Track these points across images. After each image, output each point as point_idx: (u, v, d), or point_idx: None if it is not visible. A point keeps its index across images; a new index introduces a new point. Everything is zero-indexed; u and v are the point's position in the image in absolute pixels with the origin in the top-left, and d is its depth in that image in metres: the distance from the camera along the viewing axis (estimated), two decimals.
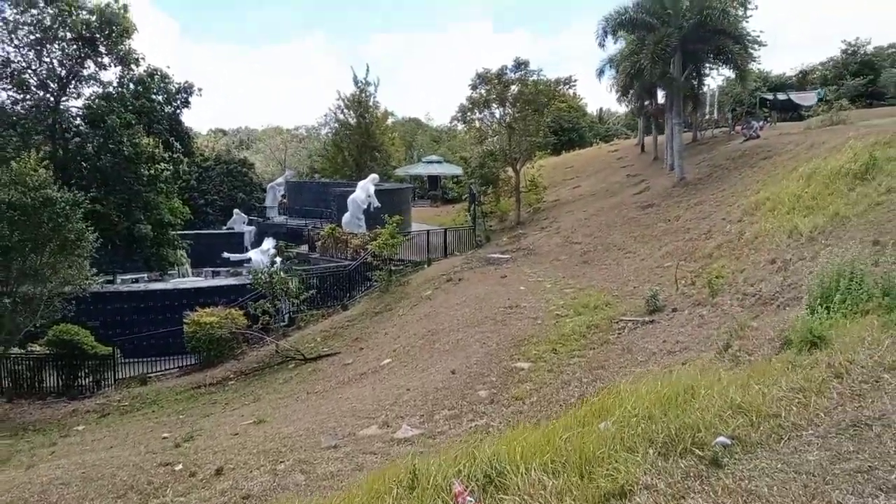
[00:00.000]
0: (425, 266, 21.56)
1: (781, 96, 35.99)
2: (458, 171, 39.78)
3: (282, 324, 18.75)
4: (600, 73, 30.52)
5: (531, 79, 25.68)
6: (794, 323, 5.27)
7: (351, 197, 24.51)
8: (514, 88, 26.30)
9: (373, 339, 15.62)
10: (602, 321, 11.73)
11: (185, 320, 17.52)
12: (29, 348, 17.82)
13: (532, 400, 8.69)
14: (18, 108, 23.80)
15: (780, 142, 19.70)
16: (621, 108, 45.10)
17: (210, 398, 14.90)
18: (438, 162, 51.05)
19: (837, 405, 3.43)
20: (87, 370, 17.68)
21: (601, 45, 24.67)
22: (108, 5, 24.84)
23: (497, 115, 27.23)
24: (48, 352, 17.43)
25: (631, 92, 28.59)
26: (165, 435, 11.15)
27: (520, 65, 25.59)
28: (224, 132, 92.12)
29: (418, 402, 9.26)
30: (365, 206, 24.27)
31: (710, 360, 6.59)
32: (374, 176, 26.59)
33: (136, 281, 27.06)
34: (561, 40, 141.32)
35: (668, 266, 13.98)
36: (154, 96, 26.37)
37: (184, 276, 29.07)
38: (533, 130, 26.60)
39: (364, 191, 24.50)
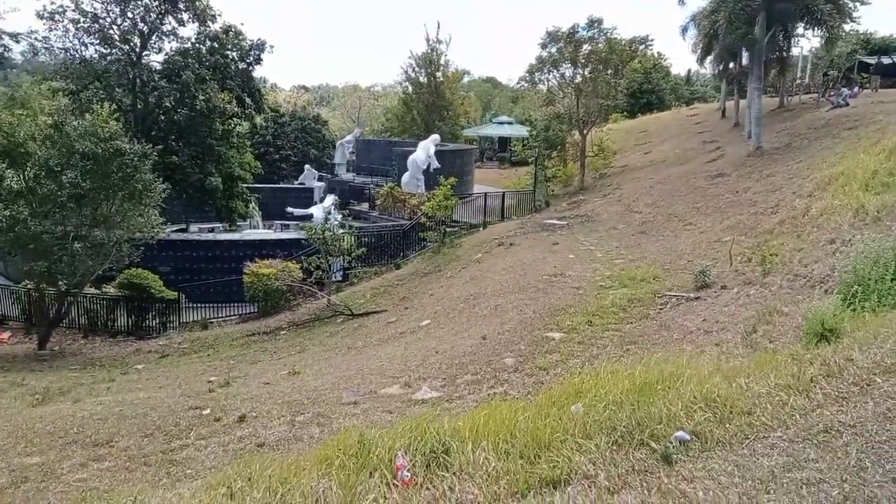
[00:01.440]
0: (480, 229, 21.44)
1: (886, 60, 32.75)
2: (527, 132, 39.06)
3: (336, 279, 19.22)
4: (684, 30, 28.77)
5: (604, 37, 24.55)
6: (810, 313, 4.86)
7: (411, 157, 24.52)
8: (585, 48, 25.26)
9: (418, 300, 15.78)
10: (646, 295, 11.33)
11: (244, 271, 18.26)
12: (104, 289, 19.12)
13: (556, 371, 8.55)
14: (104, 62, 25.02)
15: (870, 111, 18.03)
16: (707, 70, 42.40)
17: (262, 346, 15.57)
18: (509, 123, 50.18)
19: (817, 407, 3.14)
20: (154, 312, 18.82)
21: (681, 0, 23.26)
22: None
23: (567, 76, 26.32)
24: (120, 294, 18.66)
25: (712, 53, 26.79)
26: (212, 378, 11.76)
27: (592, 23, 24.50)
28: (306, 88, 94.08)
29: (444, 365, 9.31)
30: (424, 167, 24.23)
31: (734, 344, 6.23)
32: (435, 136, 26.41)
33: (212, 230, 28.43)
34: None
35: (728, 241, 13.26)
36: (228, 52, 27.00)
37: (254, 228, 30.26)
38: (603, 93, 25.56)
39: (424, 151, 24.43)
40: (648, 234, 16.59)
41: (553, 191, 26.85)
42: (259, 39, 27.40)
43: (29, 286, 17.57)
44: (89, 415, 7.70)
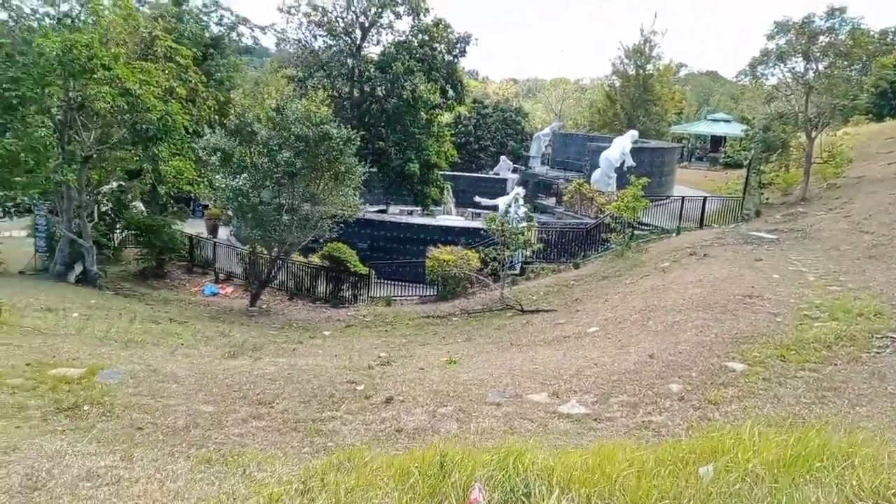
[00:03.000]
0: (673, 235, 19.86)
1: None
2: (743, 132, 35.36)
3: (513, 272, 19.19)
4: None
5: (847, 28, 21.07)
6: None
7: (604, 153, 23.47)
8: (822, 39, 21.93)
9: (591, 304, 15.08)
10: (860, 333, 9.49)
11: (427, 255, 19.03)
12: (310, 259, 21.23)
13: (729, 408, 7.52)
14: (329, 52, 27.64)
15: None
16: None
17: (434, 329, 16.09)
18: (726, 121, 45.96)
19: None
20: (348, 284, 20.49)
21: None
22: None
23: (798, 70, 23.11)
24: (322, 264, 20.57)
25: None
26: (382, 354, 12.44)
27: (833, 11, 21.11)
28: (515, 81, 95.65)
29: (600, 379, 8.71)
30: (617, 165, 23.04)
31: None
32: (632, 132, 24.95)
33: (411, 213, 30.20)
34: None
35: None
36: (436, 45, 28.21)
37: (448, 214, 31.52)
38: (841, 91, 22.00)
39: (619, 147, 23.21)
40: (879, 259, 13.98)
41: (767, 199, 23.97)
42: (465, 33, 28.24)
43: (248, 249, 20.11)
44: (263, 374, 8.52)
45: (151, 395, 7.87)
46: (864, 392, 7.53)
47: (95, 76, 16.23)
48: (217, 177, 17.42)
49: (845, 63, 21.98)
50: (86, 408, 7.24)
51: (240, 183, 16.19)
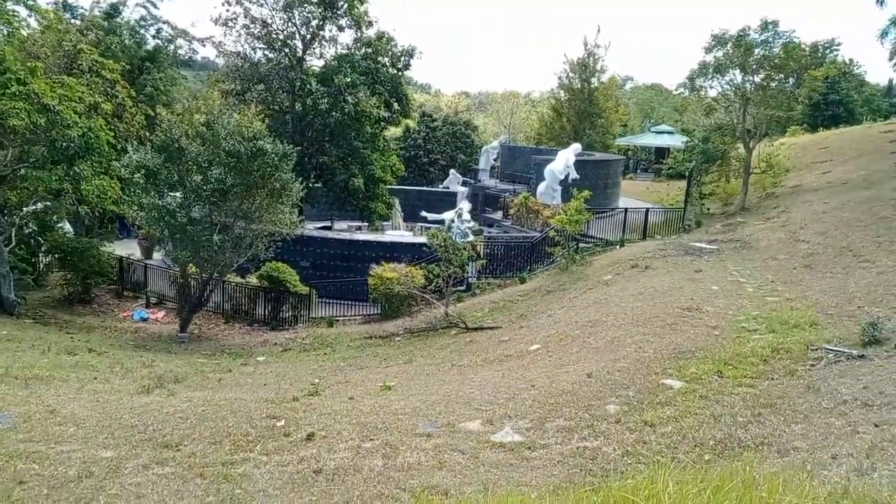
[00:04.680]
0: (617, 247, 19.86)
1: None
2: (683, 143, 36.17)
3: (459, 288, 18.80)
4: (883, 34, 24.87)
5: (780, 41, 21.68)
6: None
7: (549, 167, 23.44)
8: (757, 52, 22.51)
9: (535, 319, 14.81)
10: (796, 345, 9.45)
11: (370, 273, 18.45)
12: (247, 280, 20.36)
13: (665, 430, 7.27)
14: (269, 65, 26.84)
15: None
16: None
17: (375, 350, 15.55)
18: (669, 133, 47.03)
19: None
20: (289, 305, 19.68)
21: (880, 1, 19.93)
22: None
23: (736, 83, 23.63)
24: (259, 285, 19.74)
25: None
26: (315, 381, 11.83)
27: (767, 25, 21.70)
28: (467, 94, 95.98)
29: (536, 403, 8.35)
30: (562, 177, 23.03)
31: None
32: (575, 146, 25.08)
33: (360, 229, 29.45)
34: None
35: None
36: (380, 58, 27.79)
37: (396, 229, 30.93)
38: (775, 103, 22.59)
39: (563, 160, 23.23)
40: (814, 268, 14.16)
41: (709, 210, 24.35)
42: (409, 45, 27.92)
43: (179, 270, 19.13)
44: (174, 412, 7.84)
45: (45, 441, 7.12)
46: (800, 408, 7.38)
47: (9, 91, 15.21)
48: (150, 195, 16.51)
49: (780, 75, 22.59)
50: None
51: (167, 201, 15.36)
